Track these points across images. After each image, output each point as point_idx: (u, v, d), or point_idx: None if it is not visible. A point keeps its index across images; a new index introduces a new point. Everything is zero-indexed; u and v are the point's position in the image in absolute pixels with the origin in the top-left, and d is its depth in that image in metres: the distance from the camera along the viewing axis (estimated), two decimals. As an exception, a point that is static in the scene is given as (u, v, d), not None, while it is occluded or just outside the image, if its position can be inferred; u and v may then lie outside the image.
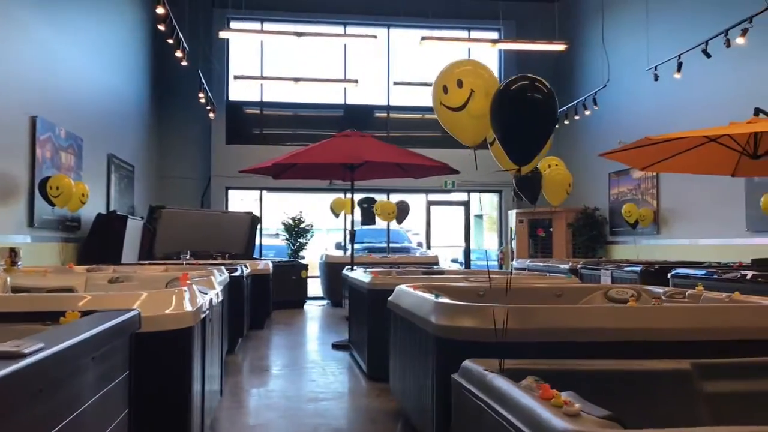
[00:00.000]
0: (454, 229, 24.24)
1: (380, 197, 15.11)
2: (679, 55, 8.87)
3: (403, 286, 4.67)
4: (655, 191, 12.04)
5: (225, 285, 6.34)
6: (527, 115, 2.86)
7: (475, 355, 2.88)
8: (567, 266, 10.30)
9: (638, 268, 8.25)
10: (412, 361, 4.09)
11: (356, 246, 17.92)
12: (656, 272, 8.03)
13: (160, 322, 2.84)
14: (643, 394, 2.87)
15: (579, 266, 9.81)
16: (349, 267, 10.82)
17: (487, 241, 32.16)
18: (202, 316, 3.46)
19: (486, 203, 25.63)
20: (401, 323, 4.45)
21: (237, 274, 7.77)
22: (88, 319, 2.27)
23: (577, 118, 13.43)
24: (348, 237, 16.80)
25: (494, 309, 3.01)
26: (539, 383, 2.41)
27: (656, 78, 9.55)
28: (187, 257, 7.97)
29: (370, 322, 6.15)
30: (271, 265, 10.68)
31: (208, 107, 12.46)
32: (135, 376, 2.48)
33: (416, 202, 18.21)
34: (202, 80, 11.20)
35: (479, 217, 31.73)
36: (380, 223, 15.40)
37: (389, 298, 4.86)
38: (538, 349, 3.00)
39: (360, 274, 6.95)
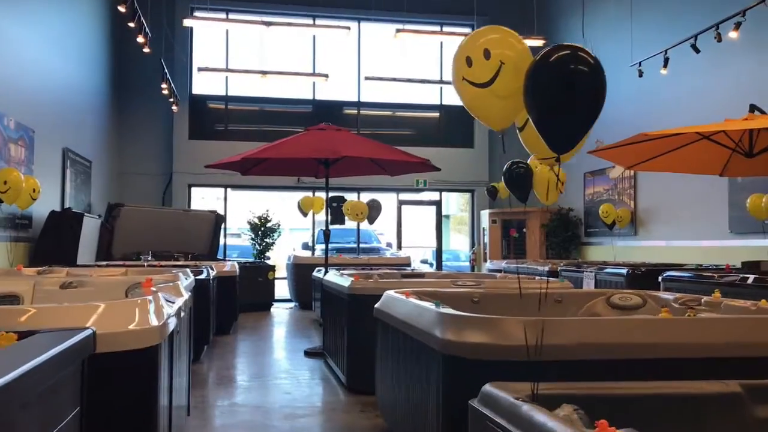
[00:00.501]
0: (421, 229, 23.90)
1: (350, 196, 14.63)
2: (666, 51, 8.58)
3: (392, 293, 4.22)
4: (632, 191, 11.81)
5: (192, 288, 5.84)
6: (570, 91, 2.42)
7: (493, 377, 2.45)
8: (546, 268, 9.98)
9: (624, 271, 7.94)
10: (408, 377, 3.64)
11: (323, 246, 17.44)
12: (643, 275, 7.72)
13: (120, 341, 2.33)
14: (691, 420, 2.48)
15: (560, 268, 9.49)
16: (322, 269, 10.36)
17: (454, 242, 31.94)
18: (170, 330, 2.96)
19: (453, 203, 25.45)
20: (393, 334, 4.00)
21: (203, 276, 7.24)
22: (27, 344, 1.77)
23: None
24: (316, 236, 16.30)
25: (525, 322, 2.58)
26: (578, 412, 2.01)
27: (641, 74, 9.27)
28: (149, 258, 7.39)
29: (350, 329, 5.69)
30: (237, 266, 10.13)
31: (171, 99, 11.83)
32: (88, 412, 1.99)
33: (387, 201, 17.78)
34: (165, 70, 10.58)
35: (446, 217, 31.47)
36: (349, 223, 14.93)
37: (377, 306, 4.41)
38: (567, 368, 2.58)
39: (337, 278, 6.47)
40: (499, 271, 11.51)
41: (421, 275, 7.66)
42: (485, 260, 14.88)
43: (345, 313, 5.82)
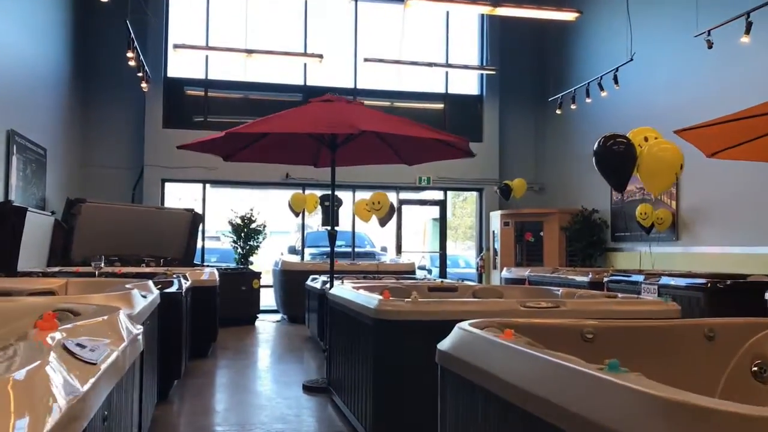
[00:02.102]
0: (414, 231, 22.12)
1: (343, 195, 13.00)
2: (748, 14, 7.02)
3: (478, 332, 2.59)
4: (673, 190, 10.29)
5: (154, 308, 4.20)
6: None
7: None
8: (585, 278, 8.43)
9: (701, 283, 6.35)
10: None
11: (313, 251, 15.76)
12: (728, 290, 6.17)
13: None
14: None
15: (606, 278, 7.91)
16: (318, 278, 8.69)
17: (450, 247, 30.30)
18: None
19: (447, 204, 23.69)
20: (492, 404, 2.36)
21: (173, 289, 5.57)
22: None
23: (573, 107, 11.61)
24: (304, 239, 14.63)
25: None
26: None
27: (710, 45, 7.70)
28: (101, 263, 5.68)
29: (378, 364, 4.07)
30: (217, 274, 8.45)
31: (140, 74, 10.09)
32: None
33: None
34: (131, 34, 8.84)
35: (437, 221, 29.90)
36: (342, 225, 13.29)
37: (445, 348, 2.78)
38: None
39: (353, 294, 4.83)
40: (522, 281, 9.96)
41: (453, 287, 6.05)
42: (495, 267, 13.31)
43: (369, 341, 4.20)
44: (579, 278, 8.55)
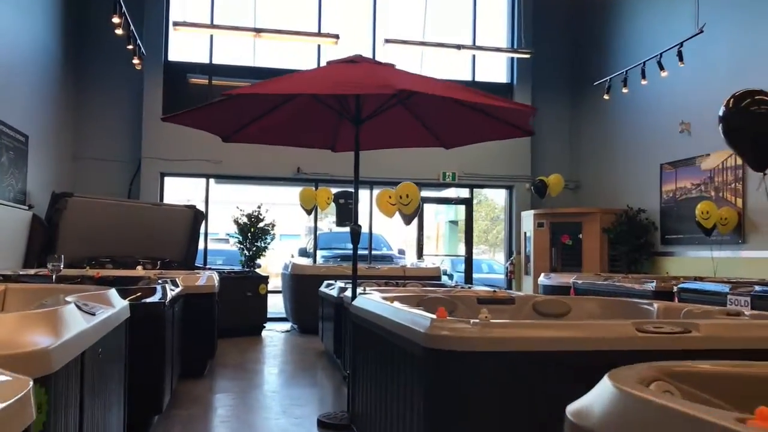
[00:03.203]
0: (428, 234, 20.74)
1: (360, 192, 11.78)
2: None
3: (660, 402, 1.34)
4: (738, 185, 9.01)
5: (115, 328, 3.02)
6: None
7: None
8: (649, 286, 7.15)
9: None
10: None
11: (326, 253, 14.52)
12: None
13: None
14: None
15: (679, 286, 6.63)
16: (335, 284, 7.46)
17: (462, 251, 29.01)
18: None
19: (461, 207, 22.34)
20: None
21: (154, 298, 4.38)
22: None
23: (625, 91, 10.33)
24: (316, 240, 13.41)
25: None
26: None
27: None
28: (59, 266, 4.46)
29: (431, 410, 2.82)
30: (217, 278, 7.24)
31: (130, 46, 8.89)
32: None
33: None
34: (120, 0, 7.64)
35: (454, 223, 28.60)
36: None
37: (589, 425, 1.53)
38: None
39: (389, 309, 3.60)
40: (564, 289, 8.70)
41: (509, 299, 4.80)
42: (527, 273, 12.04)
43: (417, 376, 2.96)
44: (639, 286, 7.27)
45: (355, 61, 4.57)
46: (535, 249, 11.82)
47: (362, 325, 4.21)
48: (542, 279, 9.55)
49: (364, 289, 5.94)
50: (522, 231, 12.31)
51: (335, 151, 5.90)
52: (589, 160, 12.68)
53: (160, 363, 4.39)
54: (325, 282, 8.02)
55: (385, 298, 4.21)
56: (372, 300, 4.17)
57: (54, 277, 4.33)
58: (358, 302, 4.41)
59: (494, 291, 5.09)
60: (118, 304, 3.25)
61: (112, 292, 3.31)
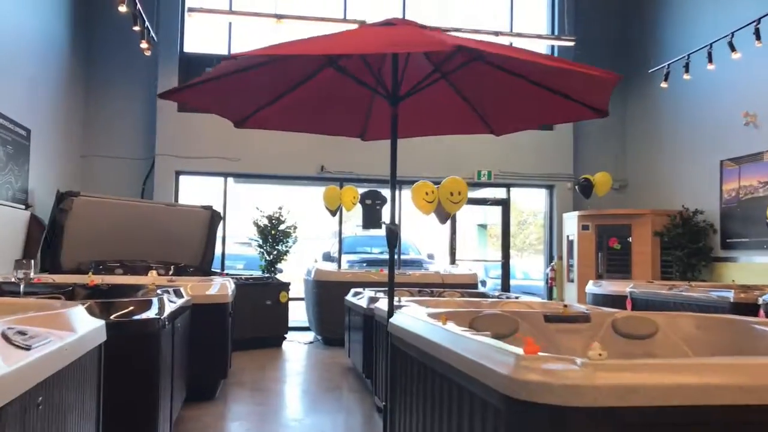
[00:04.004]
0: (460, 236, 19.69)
1: (387, 193, 10.93)
2: None
3: None
4: (816, 184, 8.01)
5: (81, 356, 2.16)
6: None
7: None
8: (729, 298, 6.18)
9: None
10: None
11: (351, 258, 13.70)
12: None
13: None
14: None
15: (762, 298, 5.67)
16: (363, 293, 6.62)
17: (495, 255, 28.01)
18: None
19: (491, 212, 21.30)
20: None
21: (149, 314, 3.57)
22: None
23: (687, 77, 9.35)
24: (341, 244, 12.57)
25: None
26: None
27: None
28: (28, 273, 3.65)
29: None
30: (231, 286, 6.43)
31: (136, 27, 8.11)
32: None
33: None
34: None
35: (482, 226, 27.62)
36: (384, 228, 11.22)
37: None
38: None
39: (444, 333, 2.74)
40: (617, 299, 7.76)
41: (583, 318, 3.90)
42: (571, 280, 11.09)
43: (493, 430, 2.09)
44: (712, 298, 6.31)
45: (394, 23, 3.71)
46: (579, 253, 10.87)
47: (403, 350, 3.35)
48: (591, 287, 8.61)
49: (399, 300, 5.10)
50: (564, 234, 11.36)
51: (365, 139, 5.04)
52: (638, 156, 11.69)
53: (152, 391, 3.57)
54: (352, 290, 7.18)
55: (431, 316, 3.35)
56: (416, 318, 3.31)
57: (22, 287, 3.52)
58: (398, 320, 3.55)
59: (564, 305, 4.18)
60: (83, 326, 2.43)
61: (75, 312, 2.49)
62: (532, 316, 3.80)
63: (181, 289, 4.86)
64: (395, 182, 4.04)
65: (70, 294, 5.05)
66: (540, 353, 1.95)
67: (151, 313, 3.62)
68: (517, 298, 6.49)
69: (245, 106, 4.44)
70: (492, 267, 15.91)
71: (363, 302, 6.24)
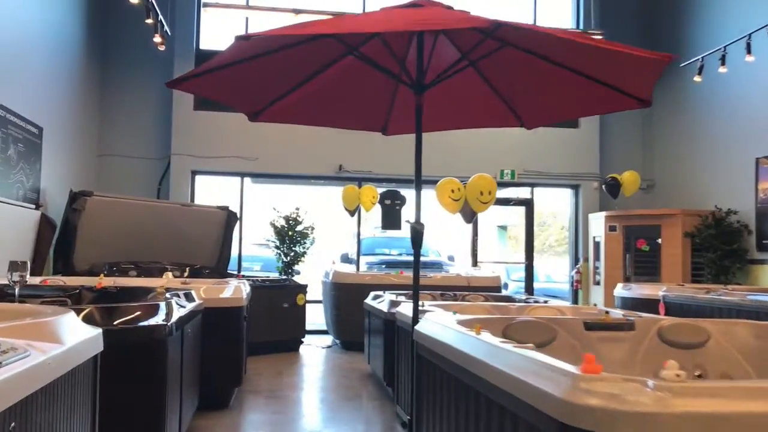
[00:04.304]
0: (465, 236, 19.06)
1: (407, 192, 10.64)
2: None
3: None
4: None
5: (68, 372, 1.86)
6: None
7: None
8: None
9: None
10: None
11: (371, 259, 13.42)
12: None
13: None
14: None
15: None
16: (384, 297, 6.33)
17: (514, 257, 27.57)
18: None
19: (512, 212, 20.96)
20: None
21: (151, 321, 3.31)
22: None
23: (723, 70, 8.96)
24: (360, 245, 12.28)
25: None
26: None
27: None
28: (25, 276, 3.40)
29: None
30: (246, 288, 6.17)
31: (148, 20, 7.88)
32: None
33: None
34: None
35: (502, 228, 27.21)
36: (404, 228, 10.93)
37: None
38: None
39: (479, 344, 2.44)
40: (648, 303, 7.40)
41: (627, 326, 3.57)
42: (597, 283, 10.72)
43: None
44: (757, 303, 5.93)
45: (421, 4, 3.41)
46: (606, 255, 10.49)
47: (431, 361, 3.05)
48: (620, 290, 8.24)
49: (422, 304, 4.80)
50: (590, 235, 10.99)
51: (387, 133, 4.75)
52: (667, 154, 11.28)
53: (158, 402, 3.30)
54: (372, 293, 6.89)
55: (462, 323, 3.05)
56: (444, 326, 3.01)
57: (17, 290, 3.27)
58: (425, 328, 3.25)
59: (606, 312, 3.86)
60: (73, 336, 2.16)
61: (66, 320, 2.22)
62: (570, 324, 3.48)
63: (193, 293, 4.60)
64: (420, 178, 3.74)
65: (76, 297, 4.81)
66: (603, 373, 1.65)
67: (158, 319, 3.36)
68: (545, 302, 6.16)
69: (259, 98, 4.17)
70: (513, 269, 15.53)
71: (383, 306, 5.95)
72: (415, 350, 3.35)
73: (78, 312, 2.96)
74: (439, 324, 3.09)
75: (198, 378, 4.67)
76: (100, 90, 10.49)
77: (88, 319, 3.01)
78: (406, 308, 5.00)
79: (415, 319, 3.61)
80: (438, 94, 4.02)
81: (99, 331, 2.50)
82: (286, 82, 4.06)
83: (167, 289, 4.55)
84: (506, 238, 27.24)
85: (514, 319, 3.44)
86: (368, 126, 4.79)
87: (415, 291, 3.79)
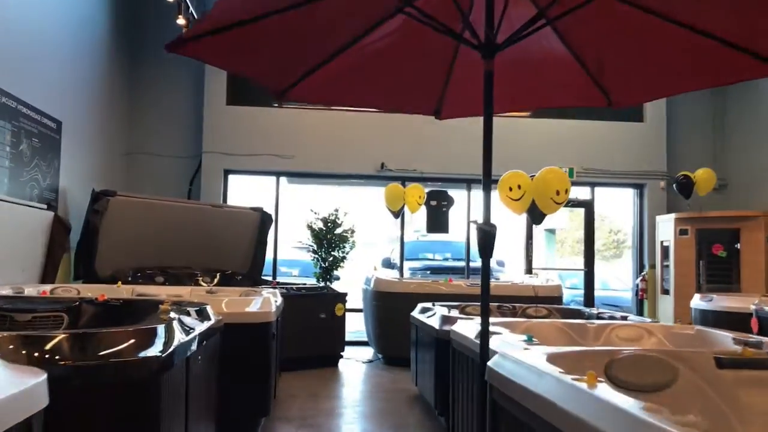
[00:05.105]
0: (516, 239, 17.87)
1: (455, 193, 9.81)
2: None
3: None
4: None
5: None
6: None
7: None
8: None
9: None
10: None
11: (414, 264, 12.59)
12: None
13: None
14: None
15: None
16: (436, 312, 5.51)
17: (564, 263, 26.38)
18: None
19: (560, 214, 19.70)
20: None
21: (150, 351, 2.53)
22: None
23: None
24: (403, 249, 11.43)
25: None
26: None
27: None
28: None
29: None
30: (277, 300, 5.41)
31: (170, -2, 7.18)
32: None
33: (497, 198, 12.81)
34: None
35: (550, 231, 26.04)
36: (451, 232, 10.11)
37: None
38: None
39: (620, 412, 1.58)
40: (740, 317, 6.42)
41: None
42: (666, 292, 9.70)
43: None
44: None
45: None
46: (675, 262, 9.47)
47: (518, 417, 2.20)
48: (698, 302, 7.26)
49: (493, 326, 3.98)
50: (657, 240, 9.97)
51: (441, 116, 3.91)
52: (743, 150, 10.19)
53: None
54: (420, 305, 6.06)
55: (554, 361, 2.22)
56: (535, 370, 2.16)
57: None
58: (503, 368, 2.41)
59: (745, 344, 2.95)
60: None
61: None
62: (696, 360, 2.61)
63: (208, 308, 3.83)
64: (490, 166, 2.89)
65: (75, 311, 4.10)
66: None
67: (152, 349, 2.58)
68: (624, 318, 5.24)
69: (287, 69, 3.37)
70: (566, 276, 14.52)
71: (434, 322, 5.12)
72: (488, 394, 2.52)
73: (40, 342, 2.24)
74: (526, 365, 2.25)
75: (214, 411, 3.91)
76: (128, 84, 9.89)
77: (57, 351, 2.27)
78: (463, 327, 4.16)
79: (485, 353, 2.76)
80: (506, 65, 3.18)
81: (40, 378, 1.73)
82: (321, 50, 3.27)
83: (179, 303, 3.80)
84: (554, 242, 26.16)
85: (621, 353, 2.57)
86: (418, 107, 3.97)
87: (484, 314, 2.94)
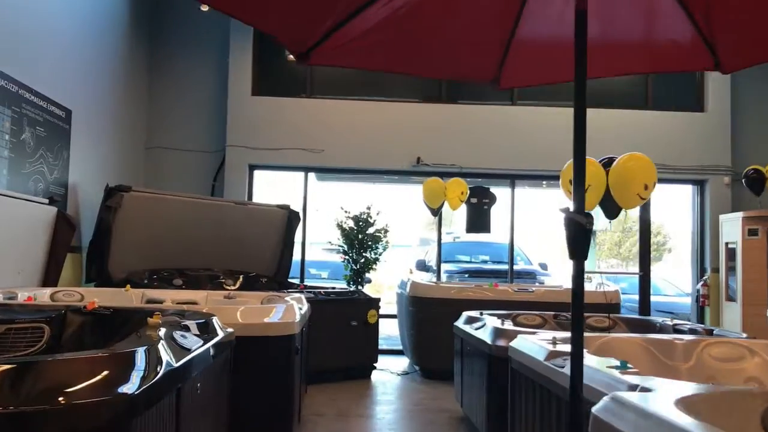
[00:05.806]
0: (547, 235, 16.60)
1: (500, 192, 9.05)
2: None
3: None
4: None
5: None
6: None
7: None
8: None
9: None
10: None
11: (450, 267, 11.81)
12: None
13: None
14: None
15: None
16: (477, 318, 4.76)
17: (597, 266, 25.20)
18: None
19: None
20: None
21: (128, 387, 1.81)
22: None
23: None
24: (440, 250, 10.64)
25: None
26: None
27: None
28: None
29: None
30: (303, 307, 4.71)
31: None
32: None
33: (542, 195, 12.03)
34: None
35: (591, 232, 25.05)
36: (493, 232, 9.35)
37: None
38: None
39: None
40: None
41: None
42: (732, 299, 8.79)
43: None
44: None
45: None
46: (743, 266, 8.56)
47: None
48: (777, 311, 6.37)
49: (554, 340, 3.24)
50: (721, 241, 9.06)
51: (501, 85, 3.13)
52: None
53: None
54: (465, 314, 5.30)
55: (687, 407, 1.46)
56: (678, 427, 1.41)
57: None
58: (616, 415, 1.65)
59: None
60: None
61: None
62: None
63: (214, 320, 3.13)
64: (584, 136, 2.14)
65: (59, 321, 3.44)
66: None
67: (123, 385, 1.87)
68: (710, 332, 4.43)
69: (311, 23, 2.65)
70: (612, 280, 13.59)
71: (485, 335, 4.36)
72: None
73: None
74: (657, 418, 1.50)
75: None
76: (146, 72, 9.29)
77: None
78: (527, 345, 3.40)
79: (578, 392, 2.00)
80: (598, 16, 2.43)
81: None
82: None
83: (180, 314, 3.11)
84: (594, 245, 25.17)
85: (723, 389, 1.79)
86: (471, 73, 3.21)
87: (576, 345, 2.14)
